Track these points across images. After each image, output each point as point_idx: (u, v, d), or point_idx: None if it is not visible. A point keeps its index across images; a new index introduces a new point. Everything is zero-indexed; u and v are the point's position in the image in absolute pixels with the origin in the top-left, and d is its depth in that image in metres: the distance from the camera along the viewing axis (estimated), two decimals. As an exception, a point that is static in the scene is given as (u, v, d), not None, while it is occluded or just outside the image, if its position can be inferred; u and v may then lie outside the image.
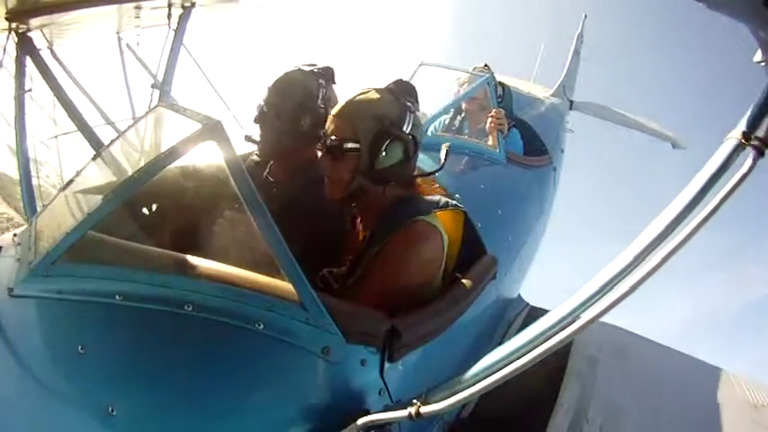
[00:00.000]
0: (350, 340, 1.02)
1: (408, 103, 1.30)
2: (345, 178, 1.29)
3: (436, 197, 1.42)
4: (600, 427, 1.76)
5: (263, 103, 1.62)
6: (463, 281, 1.44)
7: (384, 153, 1.24)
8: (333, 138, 1.28)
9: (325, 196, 1.36)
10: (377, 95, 1.28)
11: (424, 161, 2.11)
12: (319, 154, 1.33)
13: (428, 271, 1.30)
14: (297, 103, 1.60)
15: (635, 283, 0.79)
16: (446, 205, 1.39)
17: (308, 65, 1.68)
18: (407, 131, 1.27)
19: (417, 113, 1.32)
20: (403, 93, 1.31)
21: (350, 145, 1.25)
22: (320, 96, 1.63)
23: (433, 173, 1.42)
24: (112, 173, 1.45)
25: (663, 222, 0.81)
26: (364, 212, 1.39)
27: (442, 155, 1.42)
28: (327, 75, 1.69)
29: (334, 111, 1.32)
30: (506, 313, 2.44)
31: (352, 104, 1.29)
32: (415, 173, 1.41)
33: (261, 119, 1.63)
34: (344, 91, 1.40)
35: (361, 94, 1.30)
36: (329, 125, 1.31)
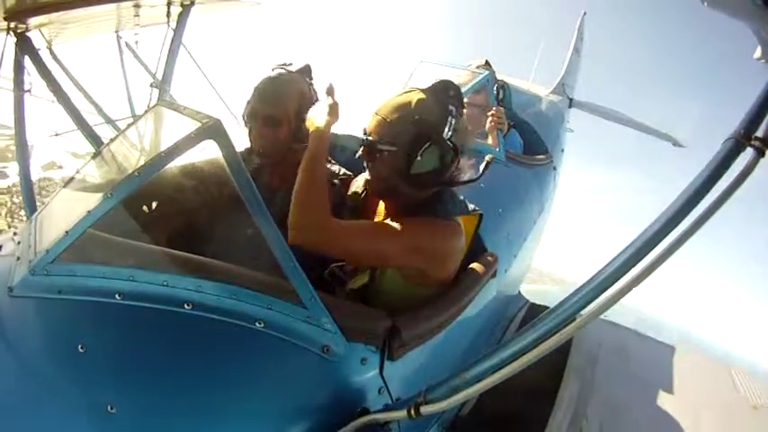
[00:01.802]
0: (350, 339, 1.03)
1: (451, 107, 1.25)
2: (382, 177, 1.27)
3: (463, 199, 1.39)
4: (599, 425, 1.77)
5: (259, 109, 1.58)
6: (463, 279, 1.44)
7: (420, 158, 1.21)
8: (371, 137, 1.26)
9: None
10: (419, 97, 1.25)
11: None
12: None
13: (451, 268, 1.32)
14: (297, 107, 1.58)
15: (634, 279, 0.79)
16: (473, 211, 1.39)
17: (284, 65, 1.65)
18: (447, 137, 1.23)
19: (460, 117, 1.28)
20: (446, 95, 1.27)
21: (386, 147, 1.23)
22: (314, 95, 1.63)
23: (469, 182, 1.35)
24: (112, 171, 1.45)
25: (663, 221, 0.81)
26: (400, 210, 1.35)
27: (482, 166, 1.39)
28: (307, 73, 1.68)
29: (375, 109, 1.29)
30: (506, 311, 2.44)
31: (392, 105, 1.26)
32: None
33: (261, 125, 1.58)
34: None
35: (403, 93, 1.28)
36: (370, 123, 1.29)
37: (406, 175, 1.23)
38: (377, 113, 1.28)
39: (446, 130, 1.22)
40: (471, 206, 1.39)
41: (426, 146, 1.20)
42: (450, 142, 1.23)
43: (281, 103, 1.57)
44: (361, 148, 1.28)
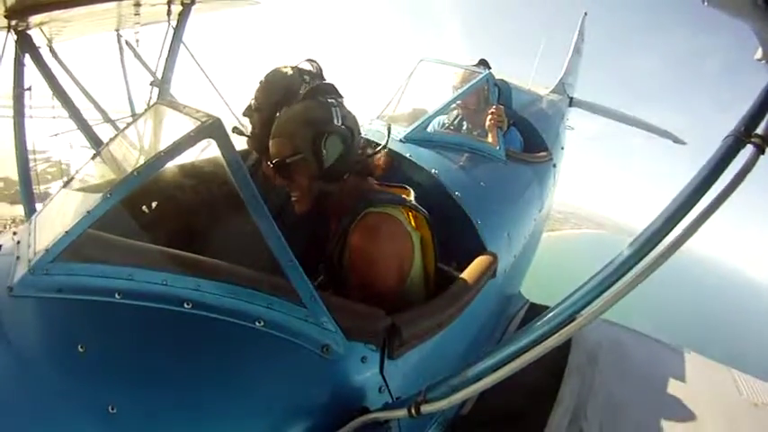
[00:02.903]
0: (350, 338, 1.03)
1: (331, 100, 1.35)
2: (304, 188, 1.34)
3: (391, 195, 1.41)
4: (599, 424, 1.76)
5: (252, 98, 1.69)
6: (463, 278, 1.44)
7: (326, 150, 1.29)
8: (276, 159, 1.33)
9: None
10: (298, 106, 1.34)
11: (424, 156, 2.11)
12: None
13: (398, 256, 1.29)
14: (277, 99, 1.63)
15: (634, 279, 0.78)
16: (397, 201, 1.36)
17: (308, 61, 1.71)
18: (339, 123, 1.32)
19: (342, 106, 1.37)
20: (322, 93, 1.36)
21: (294, 158, 1.30)
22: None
23: (382, 147, 1.44)
24: (112, 171, 1.45)
25: (663, 219, 0.81)
26: (333, 217, 1.41)
27: (386, 132, 1.50)
28: (315, 72, 1.70)
29: (271, 136, 1.36)
30: (506, 310, 2.44)
31: (281, 124, 1.34)
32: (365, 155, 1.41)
33: (248, 113, 1.70)
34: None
35: (285, 112, 1.36)
36: (271, 151, 1.36)
37: (323, 172, 1.31)
38: (272, 138, 1.35)
39: (335, 119, 1.32)
40: (400, 198, 1.38)
41: (325, 137, 1.29)
42: (344, 125, 1.33)
43: (262, 91, 1.69)
44: (276, 176, 1.35)
